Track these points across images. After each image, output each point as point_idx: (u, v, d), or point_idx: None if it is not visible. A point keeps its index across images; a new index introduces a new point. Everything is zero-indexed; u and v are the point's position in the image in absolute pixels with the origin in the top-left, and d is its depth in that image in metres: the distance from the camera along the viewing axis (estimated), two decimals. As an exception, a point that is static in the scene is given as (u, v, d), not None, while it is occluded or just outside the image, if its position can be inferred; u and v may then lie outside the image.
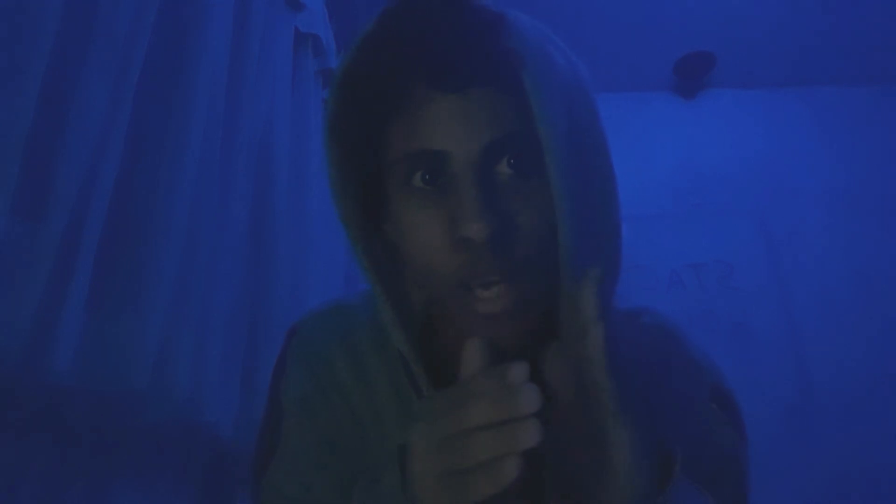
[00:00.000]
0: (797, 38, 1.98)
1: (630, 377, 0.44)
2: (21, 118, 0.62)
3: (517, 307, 0.47)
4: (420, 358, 0.51)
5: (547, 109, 0.44)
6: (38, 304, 0.64)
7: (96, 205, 0.72)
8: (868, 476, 1.69)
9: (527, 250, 0.46)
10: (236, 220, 1.07)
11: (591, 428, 0.42)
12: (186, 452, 1.04)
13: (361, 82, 0.49)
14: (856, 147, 2.11)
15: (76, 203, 0.70)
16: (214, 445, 1.08)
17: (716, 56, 2.06)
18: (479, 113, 0.47)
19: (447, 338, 0.55)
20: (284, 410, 0.58)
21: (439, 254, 0.46)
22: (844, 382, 1.81)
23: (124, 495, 0.89)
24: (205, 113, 0.94)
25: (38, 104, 0.64)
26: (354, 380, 0.57)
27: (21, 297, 0.63)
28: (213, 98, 0.98)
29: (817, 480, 1.68)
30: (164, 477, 0.99)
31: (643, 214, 2.03)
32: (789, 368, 1.84)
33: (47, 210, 0.67)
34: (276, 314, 1.18)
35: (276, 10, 1.31)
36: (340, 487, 0.54)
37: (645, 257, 1.98)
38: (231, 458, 1.14)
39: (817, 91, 2.18)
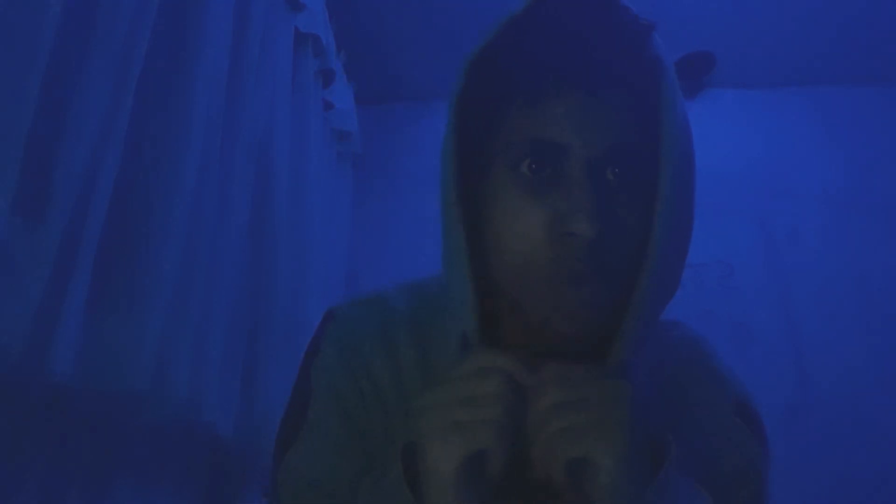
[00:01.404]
0: (797, 38, 1.98)
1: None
2: (21, 118, 0.62)
3: (597, 311, 0.48)
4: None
5: (676, 123, 0.47)
6: (38, 303, 0.64)
7: (96, 205, 0.72)
8: (868, 476, 1.69)
9: (617, 258, 0.47)
10: (236, 221, 1.07)
11: None
12: (186, 452, 1.04)
13: (494, 61, 0.50)
14: (857, 147, 2.10)
15: (76, 203, 0.70)
16: (214, 445, 1.08)
17: (716, 56, 2.06)
18: (605, 115, 0.48)
19: (506, 331, 0.55)
20: (313, 392, 0.58)
21: (535, 243, 0.47)
22: (844, 382, 1.80)
23: (124, 495, 0.89)
24: (205, 113, 0.94)
25: (38, 104, 0.64)
26: (387, 371, 0.57)
27: (21, 297, 0.63)
28: (213, 98, 0.98)
29: (817, 480, 1.68)
30: (164, 477, 0.99)
31: (643, 214, 2.02)
32: (789, 368, 1.84)
33: (47, 210, 0.67)
34: (277, 315, 1.19)
35: (276, 11, 1.31)
36: (360, 475, 0.53)
37: (645, 257, 1.98)
38: (231, 457, 1.14)
39: (818, 91, 2.17)
